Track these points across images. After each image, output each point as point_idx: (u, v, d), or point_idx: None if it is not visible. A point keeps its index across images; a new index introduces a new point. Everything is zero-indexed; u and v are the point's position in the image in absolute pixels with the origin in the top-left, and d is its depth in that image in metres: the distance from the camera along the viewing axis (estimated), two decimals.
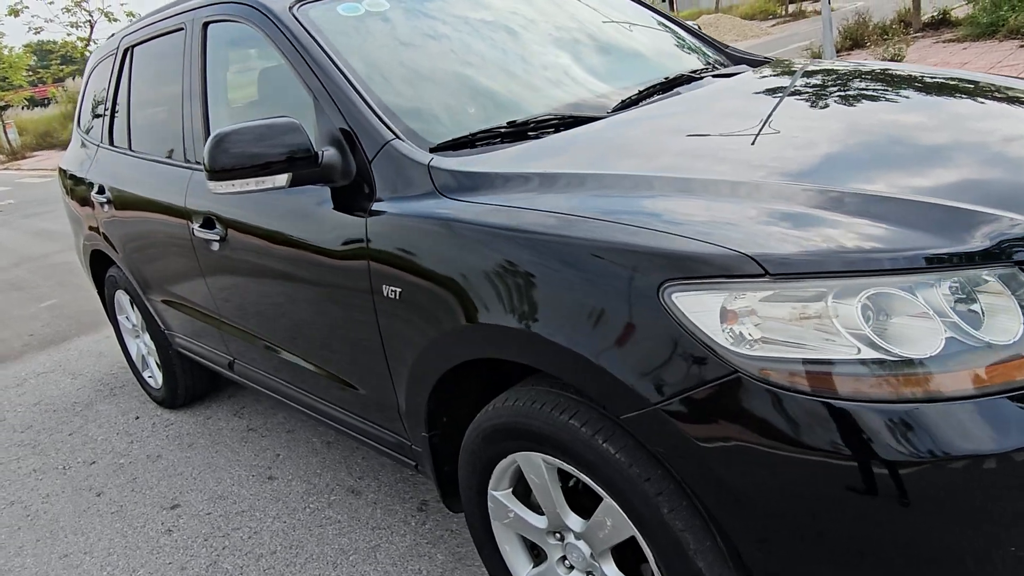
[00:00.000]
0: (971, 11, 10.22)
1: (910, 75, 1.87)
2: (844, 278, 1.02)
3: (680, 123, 1.64)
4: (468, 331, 1.37)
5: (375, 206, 1.58)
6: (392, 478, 2.39)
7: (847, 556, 1.03)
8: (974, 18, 9.93)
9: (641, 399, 1.10)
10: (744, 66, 2.16)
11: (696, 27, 2.49)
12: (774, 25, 21.59)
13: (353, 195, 1.64)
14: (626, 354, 1.12)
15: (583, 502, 1.39)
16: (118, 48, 2.90)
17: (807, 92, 1.78)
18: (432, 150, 1.59)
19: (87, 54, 22.63)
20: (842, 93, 1.76)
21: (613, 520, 1.27)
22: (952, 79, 1.83)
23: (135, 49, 2.77)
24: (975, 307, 1.03)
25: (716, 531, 1.15)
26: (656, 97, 1.82)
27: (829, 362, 0.99)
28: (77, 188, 3.20)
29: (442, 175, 1.49)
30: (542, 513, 1.46)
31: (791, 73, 1.96)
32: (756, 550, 1.09)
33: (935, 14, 11.52)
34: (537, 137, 1.62)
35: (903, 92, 1.74)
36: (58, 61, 24.98)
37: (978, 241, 1.06)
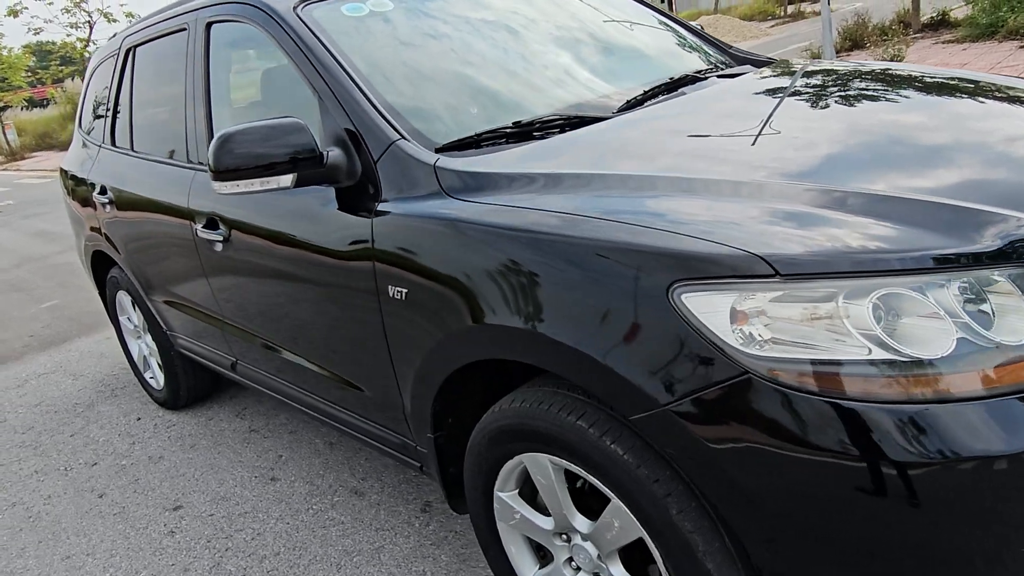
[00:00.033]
0: (970, 12, 10.23)
1: (913, 75, 1.87)
2: (855, 278, 1.01)
3: (686, 124, 1.64)
4: (475, 332, 1.36)
5: (380, 206, 1.57)
6: (395, 479, 2.39)
7: (857, 557, 1.03)
8: (973, 19, 9.94)
9: (650, 400, 1.10)
10: (748, 66, 2.16)
11: (699, 27, 2.49)
12: (773, 26, 21.61)
13: (358, 195, 1.64)
14: (635, 355, 1.11)
15: (590, 503, 1.39)
16: (120, 48, 2.90)
17: (812, 93, 1.78)
18: (437, 150, 1.58)
19: (86, 55, 22.60)
20: (846, 93, 1.76)
21: (621, 521, 1.27)
22: (953, 79, 1.84)
23: (137, 49, 2.77)
24: (985, 307, 1.03)
25: (725, 532, 1.15)
26: (661, 97, 1.82)
27: (839, 363, 0.99)
28: (78, 189, 3.20)
29: (448, 175, 1.49)
30: (548, 514, 1.46)
31: (795, 74, 1.96)
32: (766, 551, 1.09)
33: (934, 15, 11.53)
34: (543, 137, 1.62)
35: (907, 92, 1.74)
36: (57, 62, 24.98)
37: (987, 241, 1.06)
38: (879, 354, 0.98)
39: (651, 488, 1.17)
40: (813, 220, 1.12)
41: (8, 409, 3.59)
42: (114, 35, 3.15)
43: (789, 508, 1.04)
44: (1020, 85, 1.75)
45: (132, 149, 2.76)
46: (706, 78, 1.99)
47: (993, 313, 1.02)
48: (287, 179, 1.57)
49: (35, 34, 27.86)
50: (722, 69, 2.13)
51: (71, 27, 23.02)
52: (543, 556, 1.58)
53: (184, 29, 2.34)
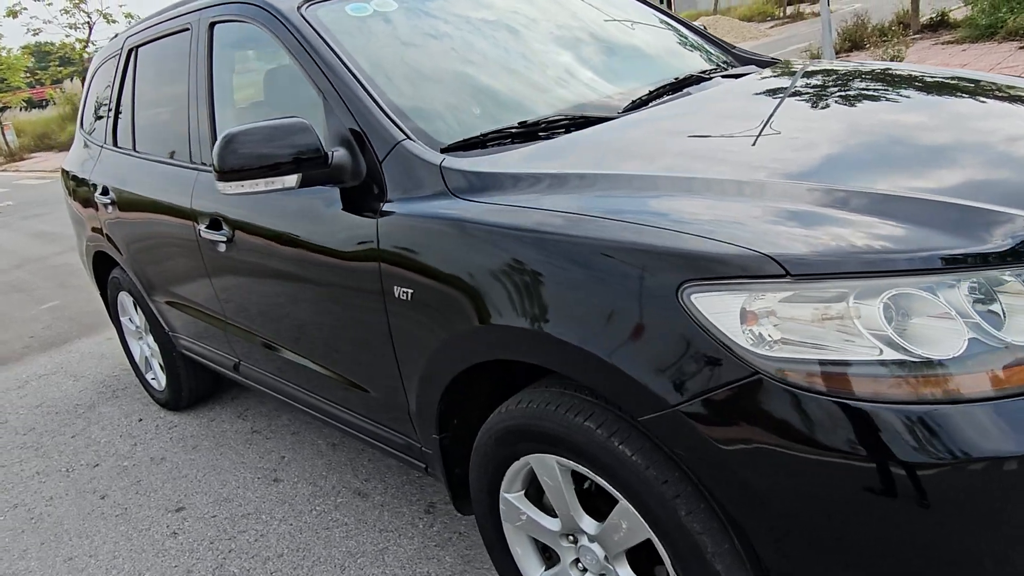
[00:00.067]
0: (970, 13, 10.24)
1: (916, 75, 1.87)
2: (865, 278, 1.01)
3: (691, 124, 1.64)
4: (482, 332, 1.36)
5: (385, 207, 1.57)
6: (398, 480, 2.38)
7: (866, 557, 1.02)
8: (973, 20, 9.94)
9: (660, 401, 1.09)
10: (753, 67, 2.16)
11: (703, 28, 2.48)
12: (772, 27, 21.63)
13: (363, 196, 1.63)
14: (643, 355, 1.11)
15: (597, 504, 1.38)
16: (122, 49, 2.89)
17: (817, 93, 1.78)
18: (443, 150, 1.58)
19: (85, 56, 22.58)
20: (850, 93, 1.76)
21: (629, 523, 1.26)
22: (954, 79, 1.84)
23: (139, 50, 2.76)
24: (995, 307, 1.02)
25: (734, 533, 1.14)
26: (666, 98, 1.82)
27: (850, 363, 0.99)
28: (80, 189, 3.19)
29: (454, 175, 1.48)
30: (555, 515, 1.45)
31: (800, 74, 1.96)
32: (776, 552, 1.09)
33: (933, 16, 11.55)
34: (548, 138, 1.62)
35: (913, 92, 1.74)
36: (56, 63, 24.94)
37: (996, 241, 1.06)
38: (890, 354, 0.98)
39: (660, 489, 1.16)
40: (821, 220, 1.11)
41: (9, 410, 3.58)
42: (116, 35, 3.14)
43: (799, 509, 1.04)
44: (1021, 84, 1.75)
45: (134, 150, 2.76)
46: (711, 78, 1.99)
47: (1003, 313, 1.01)
48: (292, 179, 1.57)
49: (34, 35, 27.86)
50: (726, 69, 2.13)
51: (70, 28, 23.06)
52: (549, 557, 1.58)
53: (187, 29, 2.33)
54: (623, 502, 1.25)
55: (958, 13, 11.21)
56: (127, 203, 2.72)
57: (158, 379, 3.23)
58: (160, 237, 2.53)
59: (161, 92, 2.61)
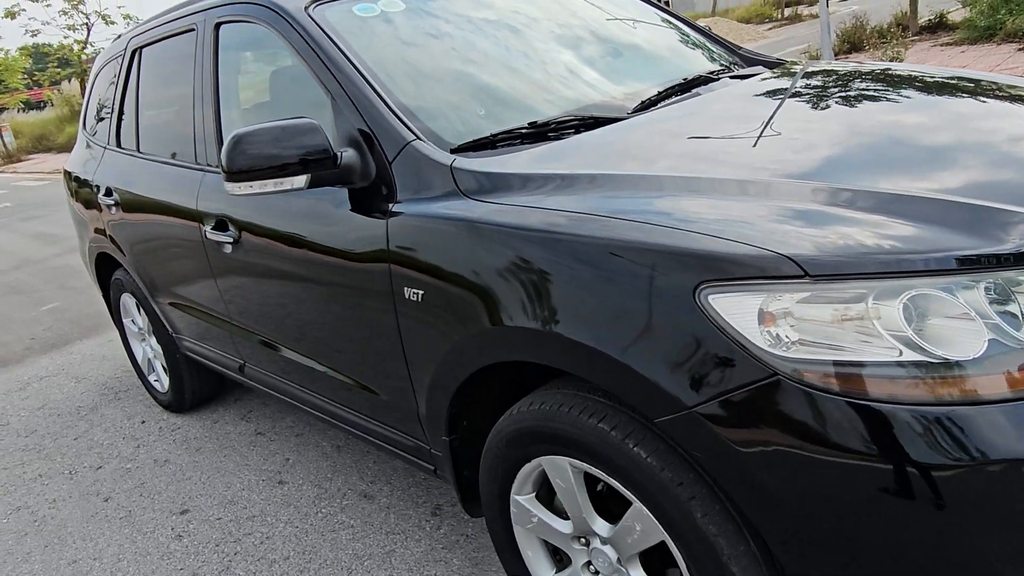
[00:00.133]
0: (968, 14, 10.26)
1: (932, 77, 1.87)
2: (884, 279, 1.01)
3: (702, 124, 1.63)
4: (494, 334, 1.35)
5: (395, 207, 1.56)
6: (405, 482, 2.37)
7: (881, 558, 1.02)
8: (971, 21, 9.97)
9: (676, 402, 1.09)
10: (760, 67, 2.16)
11: (707, 28, 2.48)
12: (770, 29, 21.68)
13: (371, 197, 1.63)
14: (660, 357, 1.10)
15: (609, 506, 1.38)
16: (126, 49, 2.88)
17: (827, 93, 1.78)
18: (452, 151, 1.57)
19: (83, 57, 22.54)
20: (860, 94, 1.75)
21: (643, 525, 1.26)
22: (963, 79, 1.84)
23: (144, 50, 2.75)
24: (1011, 308, 1.02)
25: (750, 535, 1.14)
26: (676, 98, 1.81)
27: (869, 364, 0.98)
28: (82, 190, 3.18)
29: (465, 176, 1.48)
30: (566, 518, 1.45)
31: (808, 75, 1.96)
32: (793, 553, 1.08)
33: (932, 17, 11.58)
34: (558, 138, 1.61)
35: (932, 94, 1.74)
36: (54, 64, 24.86)
37: (1015, 241, 1.05)
38: (909, 355, 0.97)
39: (675, 491, 1.15)
40: (837, 221, 1.11)
41: (10, 412, 3.57)
42: (119, 36, 3.13)
43: (816, 510, 1.03)
44: (1022, 84, 1.75)
45: (138, 150, 2.75)
46: (719, 79, 1.98)
47: (1021, 315, 1.01)
48: (301, 180, 1.56)
49: (32, 36, 27.79)
50: (734, 70, 2.12)
51: (68, 29, 22.95)
52: (560, 560, 1.57)
53: (192, 30, 2.33)
54: (637, 504, 1.24)
55: (956, 15, 11.23)
56: (131, 204, 2.71)
57: (161, 381, 3.21)
58: (164, 238, 2.52)
59: (166, 93, 2.60)
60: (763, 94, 1.81)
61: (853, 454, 0.99)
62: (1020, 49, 8.55)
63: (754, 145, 1.43)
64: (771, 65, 2.20)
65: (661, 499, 1.18)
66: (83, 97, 3.39)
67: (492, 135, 1.61)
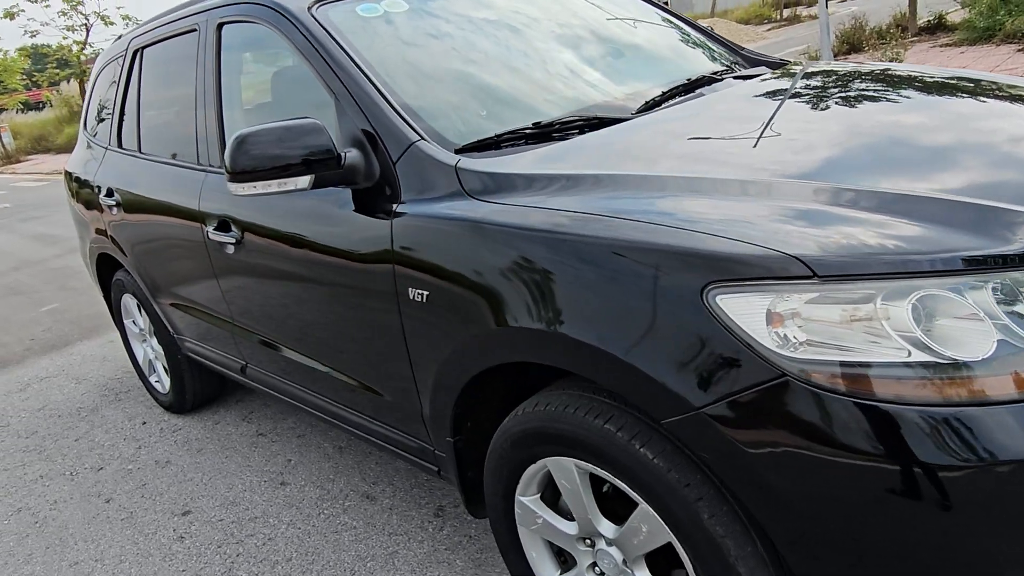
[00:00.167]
0: (967, 15, 10.28)
1: (932, 77, 1.87)
2: (893, 279, 1.00)
3: (706, 125, 1.63)
4: (500, 335, 1.35)
5: (399, 208, 1.56)
6: (407, 483, 2.37)
7: (889, 559, 1.02)
8: (970, 22, 9.98)
9: (684, 403, 1.08)
10: (763, 68, 2.16)
11: (710, 29, 2.48)
12: (769, 30, 21.70)
13: (375, 197, 1.62)
14: (667, 357, 1.10)
15: (614, 507, 1.37)
16: (127, 50, 2.88)
17: (831, 93, 1.78)
18: (457, 151, 1.57)
19: (83, 58, 22.50)
20: (867, 94, 1.75)
21: (649, 526, 1.25)
22: (966, 79, 1.84)
23: (145, 51, 2.75)
24: (1019, 308, 1.02)
25: (757, 536, 1.13)
26: (679, 99, 1.81)
27: (876, 365, 0.98)
28: (83, 191, 3.18)
29: (470, 176, 1.47)
30: (572, 519, 1.44)
31: (811, 75, 1.96)
32: (801, 554, 1.08)
33: (931, 18, 11.59)
34: (563, 138, 1.61)
35: (933, 93, 1.74)
36: (53, 65, 24.83)
37: (1022, 240, 1.05)
38: (917, 356, 0.97)
39: (682, 492, 1.15)
40: (845, 221, 1.11)
41: (11, 413, 3.56)
42: (120, 36, 3.13)
43: (824, 511, 1.03)
44: (1022, 84, 1.75)
45: (140, 151, 2.74)
46: (722, 79, 1.98)
47: None
48: (304, 180, 1.56)
49: (31, 36, 27.76)
50: (737, 70, 2.12)
51: (67, 30, 22.88)
52: (564, 561, 1.57)
53: (194, 30, 2.32)
54: (643, 505, 1.24)
55: (955, 16, 11.25)
56: (132, 205, 2.71)
57: (162, 382, 3.21)
58: (166, 239, 2.51)
59: (168, 93, 2.59)
60: (767, 94, 1.81)
61: (861, 455, 0.99)
62: (1019, 50, 8.56)
63: (759, 146, 1.43)
64: (774, 66, 2.20)
65: (668, 500, 1.18)
66: (82, 98, 3.38)
67: (496, 135, 1.61)
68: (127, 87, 2.87)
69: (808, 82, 1.88)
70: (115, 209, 2.82)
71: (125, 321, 3.34)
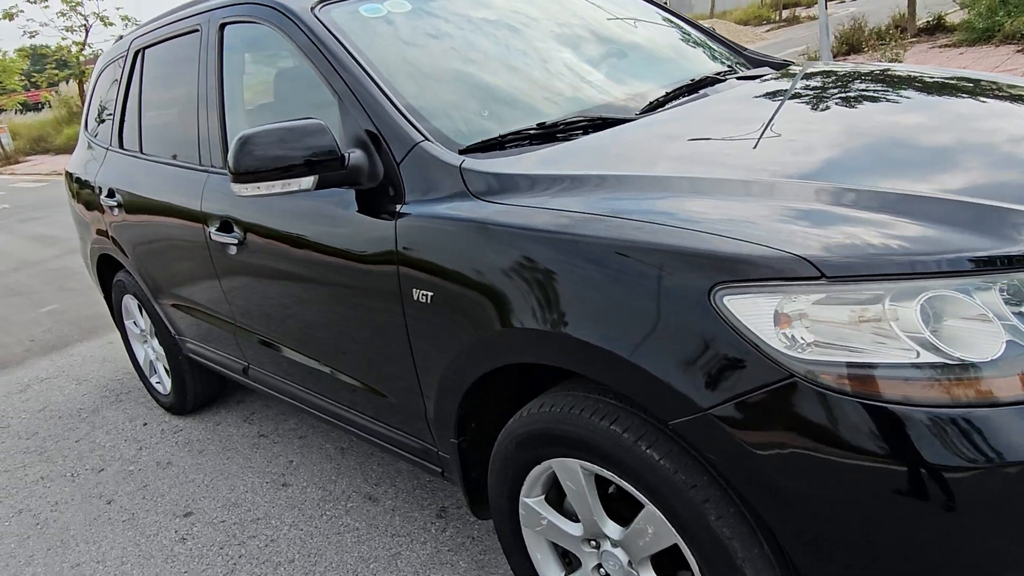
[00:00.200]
0: (966, 16, 10.29)
1: (932, 77, 1.87)
2: (901, 280, 1.00)
3: (711, 125, 1.63)
4: (506, 336, 1.35)
5: (403, 208, 1.56)
6: (409, 484, 2.36)
7: (896, 560, 1.02)
8: (970, 23, 10.00)
9: (691, 404, 1.08)
10: (766, 68, 2.16)
11: (712, 29, 2.48)
12: (768, 30, 21.72)
13: (379, 198, 1.62)
14: (673, 358, 1.10)
15: (619, 509, 1.37)
16: (128, 50, 2.87)
17: (835, 94, 1.77)
18: (461, 152, 1.57)
19: (82, 59, 22.48)
20: (871, 94, 1.75)
21: (655, 528, 1.25)
22: (966, 79, 1.83)
23: (147, 51, 2.74)
24: None
25: (764, 538, 1.13)
26: (683, 99, 1.81)
27: (883, 366, 0.98)
28: (84, 192, 3.17)
29: (474, 177, 1.47)
30: (576, 520, 1.44)
31: (817, 75, 1.95)
32: (808, 555, 1.08)
33: (930, 19, 11.60)
34: (567, 139, 1.61)
35: (933, 94, 1.74)
36: (52, 65, 24.79)
37: None
38: (926, 357, 0.97)
39: (689, 494, 1.15)
40: (850, 221, 1.10)
41: (11, 414, 3.55)
42: (121, 37, 3.12)
43: (831, 512, 1.03)
44: (1022, 84, 1.75)
45: (141, 152, 2.74)
46: (725, 79, 1.98)
47: None
48: (308, 181, 1.56)
49: (30, 37, 27.70)
50: (740, 71, 2.12)
51: (67, 31, 22.86)
52: (569, 563, 1.56)
53: (196, 30, 2.32)
54: (649, 507, 1.23)
55: (954, 16, 11.26)
56: (134, 205, 2.70)
57: (163, 383, 3.20)
58: (168, 239, 2.51)
59: (169, 94, 2.59)
60: (771, 95, 1.81)
61: (869, 456, 0.98)
62: (1019, 51, 8.57)
63: (761, 146, 1.43)
64: (777, 66, 2.20)
65: (674, 502, 1.17)
66: (81, 99, 3.38)
67: (500, 136, 1.61)
68: (128, 88, 2.86)
69: (808, 83, 1.88)
70: (116, 210, 2.81)
71: (126, 322, 3.34)
